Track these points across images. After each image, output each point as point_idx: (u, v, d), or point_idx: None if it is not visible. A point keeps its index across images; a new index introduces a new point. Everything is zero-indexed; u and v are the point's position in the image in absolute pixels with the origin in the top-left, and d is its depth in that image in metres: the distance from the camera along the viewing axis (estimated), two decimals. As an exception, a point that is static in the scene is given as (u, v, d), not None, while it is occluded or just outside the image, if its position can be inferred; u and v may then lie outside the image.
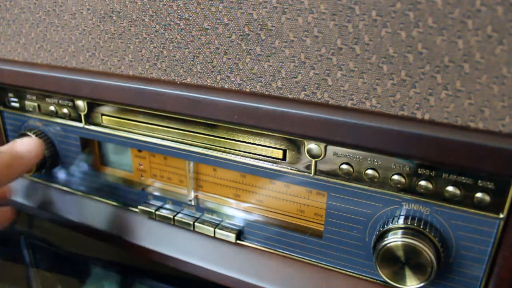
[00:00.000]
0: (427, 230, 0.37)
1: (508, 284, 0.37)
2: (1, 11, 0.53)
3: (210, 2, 0.40)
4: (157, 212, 0.52)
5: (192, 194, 0.51)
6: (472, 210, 0.36)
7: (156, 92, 0.45)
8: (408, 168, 0.37)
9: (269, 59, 0.39)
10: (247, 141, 0.43)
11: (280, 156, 0.42)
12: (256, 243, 0.48)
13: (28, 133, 0.56)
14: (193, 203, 0.51)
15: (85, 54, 0.49)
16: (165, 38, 0.43)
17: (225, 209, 0.50)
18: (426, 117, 0.35)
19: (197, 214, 0.51)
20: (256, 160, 0.44)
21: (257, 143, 0.43)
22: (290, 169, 0.42)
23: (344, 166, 0.39)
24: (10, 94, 0.57)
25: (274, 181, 0.46)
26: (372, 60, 0.35)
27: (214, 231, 0.49)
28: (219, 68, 0.42)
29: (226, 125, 0.44)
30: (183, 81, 0.44)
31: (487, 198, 0.35)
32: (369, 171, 0.39)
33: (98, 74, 0.48)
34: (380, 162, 0.38)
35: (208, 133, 0.45)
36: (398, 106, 0.36)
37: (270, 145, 0.42)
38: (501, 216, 0.35)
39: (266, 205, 0.48)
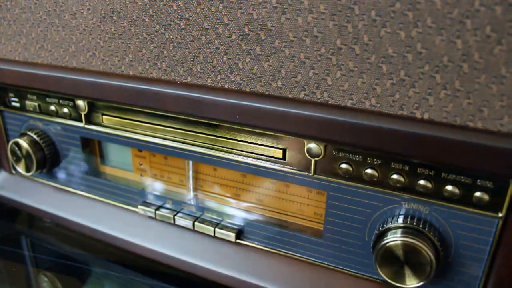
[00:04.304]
0: (427, 229, 0.37)
1: (507, 283, 0.37)
2: (1, 11, 0.53)
3: (210, 2, 0.40)
4: (157, 212, 0.52)
5: (192, 194, 0.51)
6: (471, 209, 0.36)
7: (157, 92, 0.45)
8: (407, 168, 0.37)
9: (269, 59, 0.39)
10: (247, 140, 0.43)
11: (280, 156, 0.42)
12: (256, 243, 0.48)
13: (29, 133, 0.56)
14: (193, 203, 0.51)
15: (86, 54, 0.49)
16: (165, 38, 0.43)
17: (225, 209, 0.50)
18: (425, 116, 0.35)
19: (197, 214, 0.51)
20: (256, 160, 0.44)
21: (257, 142, 0.43)
22: (290, 168, 0.42)
23: (344, 166, 0.40)
24: (11, 94, 0.57)
25: (274, 181, 0.46)
26: (371, 60, 0.35)
27: (214, 231, 0.49)
28: (219, 68, 0.42)
29: (226, 124, 0.44)
30: (184, 81, 0.44)
31: (486, 197, 0.35)
32: (369, 171, 0.39)
33: (98, 74, 0.48)
34: (379, 162, 0.38)
35: (208, 133, 0.45)
36: (398, 105, 0.36)
37: (270, 145, 0.43)
38: (500, 215, 0.35)
39: (266, 205, 0.48)
